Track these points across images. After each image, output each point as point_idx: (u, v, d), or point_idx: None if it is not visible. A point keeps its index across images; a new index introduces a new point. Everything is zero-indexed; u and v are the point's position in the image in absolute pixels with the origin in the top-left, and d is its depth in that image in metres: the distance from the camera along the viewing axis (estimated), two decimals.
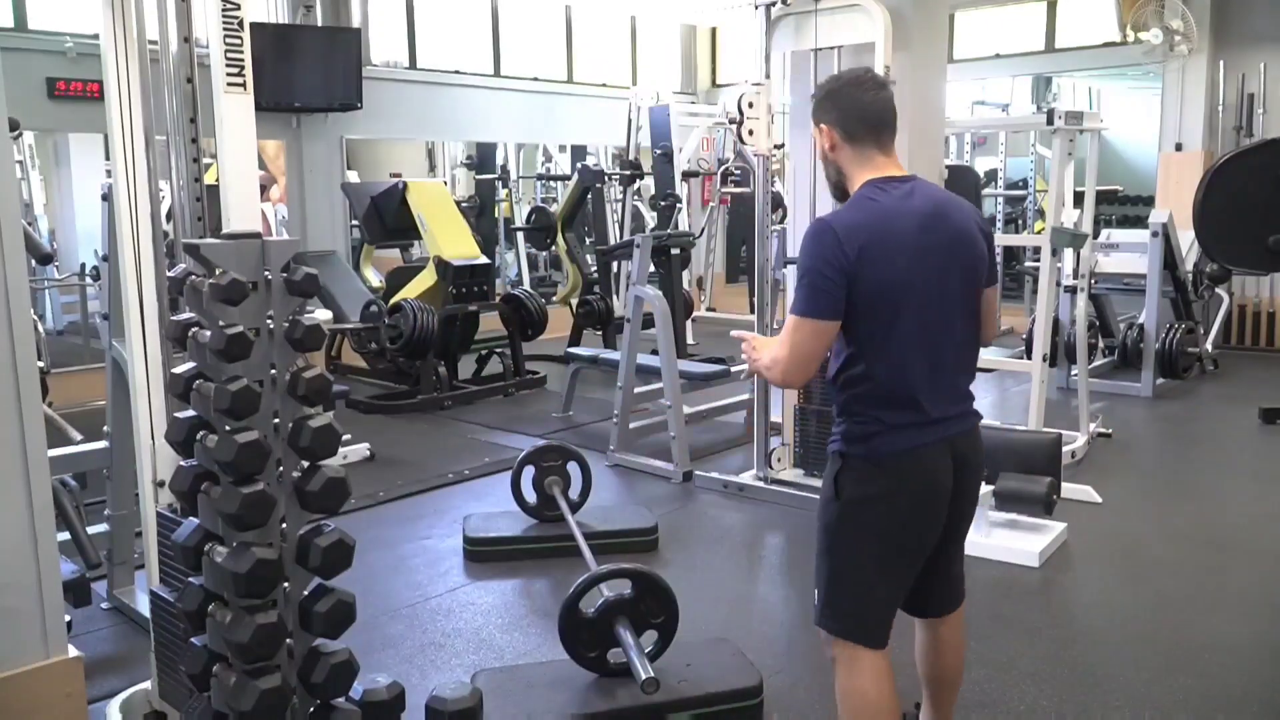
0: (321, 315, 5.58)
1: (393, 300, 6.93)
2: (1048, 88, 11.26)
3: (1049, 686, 2.99)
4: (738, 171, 9.61)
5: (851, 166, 2.24)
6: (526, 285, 10.03)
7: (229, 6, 2.04)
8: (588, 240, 10.27)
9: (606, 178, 9.36)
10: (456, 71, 9.61)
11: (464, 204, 9.39)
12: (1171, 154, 8.66)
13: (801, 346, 2.14)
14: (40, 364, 2.79)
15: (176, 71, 2.55)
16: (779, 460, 4.92)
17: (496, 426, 6.30)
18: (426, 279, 7.12)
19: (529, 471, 4.21)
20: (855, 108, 2.22)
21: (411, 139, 10.45)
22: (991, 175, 11.07)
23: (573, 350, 6.90)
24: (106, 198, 2.97)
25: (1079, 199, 6.20)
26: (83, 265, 7.88)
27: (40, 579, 2.48)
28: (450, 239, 7.16)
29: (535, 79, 10.22)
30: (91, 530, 3.50)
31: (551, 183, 11.84)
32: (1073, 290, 6.03)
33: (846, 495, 2.19)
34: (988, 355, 7.32)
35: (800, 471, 4.93)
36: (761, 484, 4.82)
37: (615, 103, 9.93)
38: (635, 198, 9.17)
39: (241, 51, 2.06)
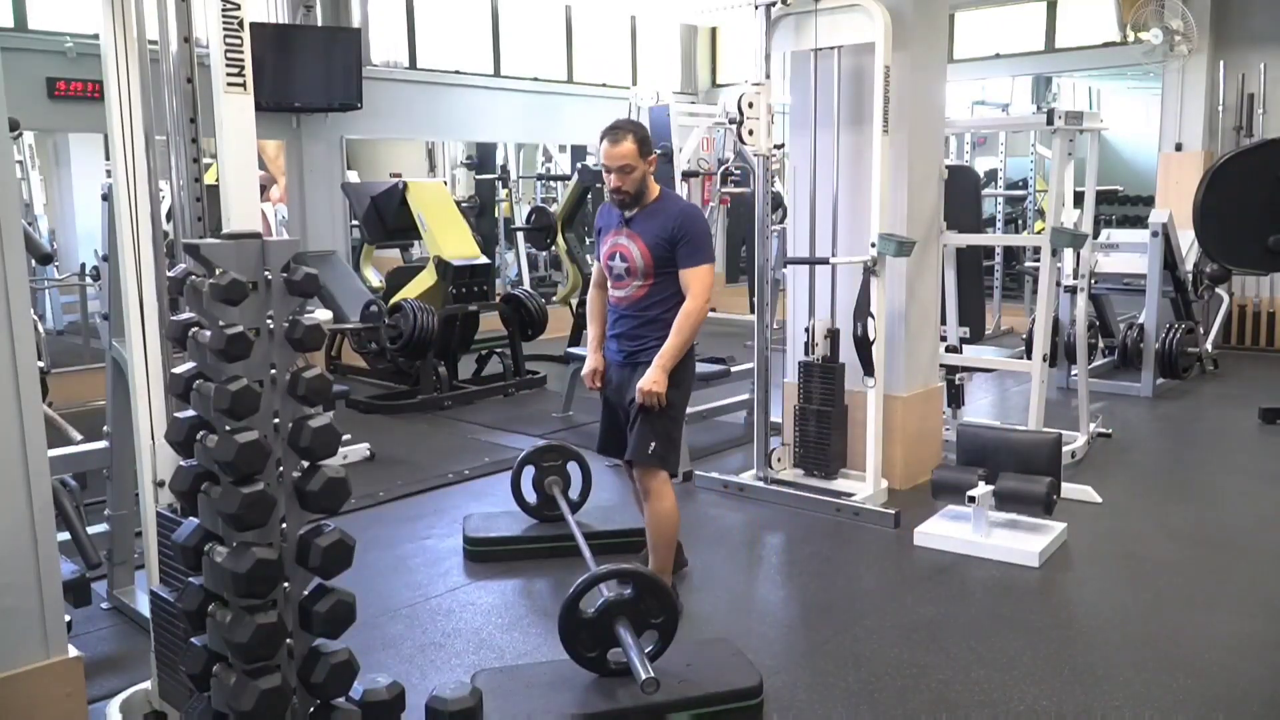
0: (321, 315, 5.59)
1: (393, 300, 6.93)
2: (1048, 88, 11.27)
3: (1049, 686, 2.99)
4: (738, 172, 9.59)
5: (651, 182, 3.47)
6: (526, 285, 10.03)
7: (229, 6, 2.04)
8: (588, 240, 10.25)
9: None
10: (456, 71, 9.61)
11: (464, 204, 9.38)
12: (1171, 154, 8.66)
13: (711, 284, 3.43)
14: (40, 364, 2.79)
15: (176, 71, 2.55)
16: (779, 460, 4.92)
17: (496, 426, 6.31)
18: (426, 279, 7.12)
19: (529, 471, 4.22)
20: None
21: (411, 139, 10.45)
22: (991, 175, 11.07)
23: (573, 350, 6.89)
24: (106, 198, 2.97)
25: (1079, 199, 6.19)
26: (83, 265, 7.87)
27: (40, 579, 2.48)
28: (450, 239, 7.16)
29: (535, 79, 10.22)
30: (91, 530, 3.50)
31: (551, 183, 11.84)
32: (1073, 290, 6.03)
33: (684, 383, 3.47)
34: (988, 355, 7.36)
35: (800, 471, 4.93)
36: (761, 484, 4.82)
37: (615, 103, 9.91)
38: None
39: (241, 51, 2.06)
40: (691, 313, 3.35)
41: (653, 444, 3.39)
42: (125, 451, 3.28)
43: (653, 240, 3.39)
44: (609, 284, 3.56)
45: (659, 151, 8.36)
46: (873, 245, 4.51)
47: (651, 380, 3.32)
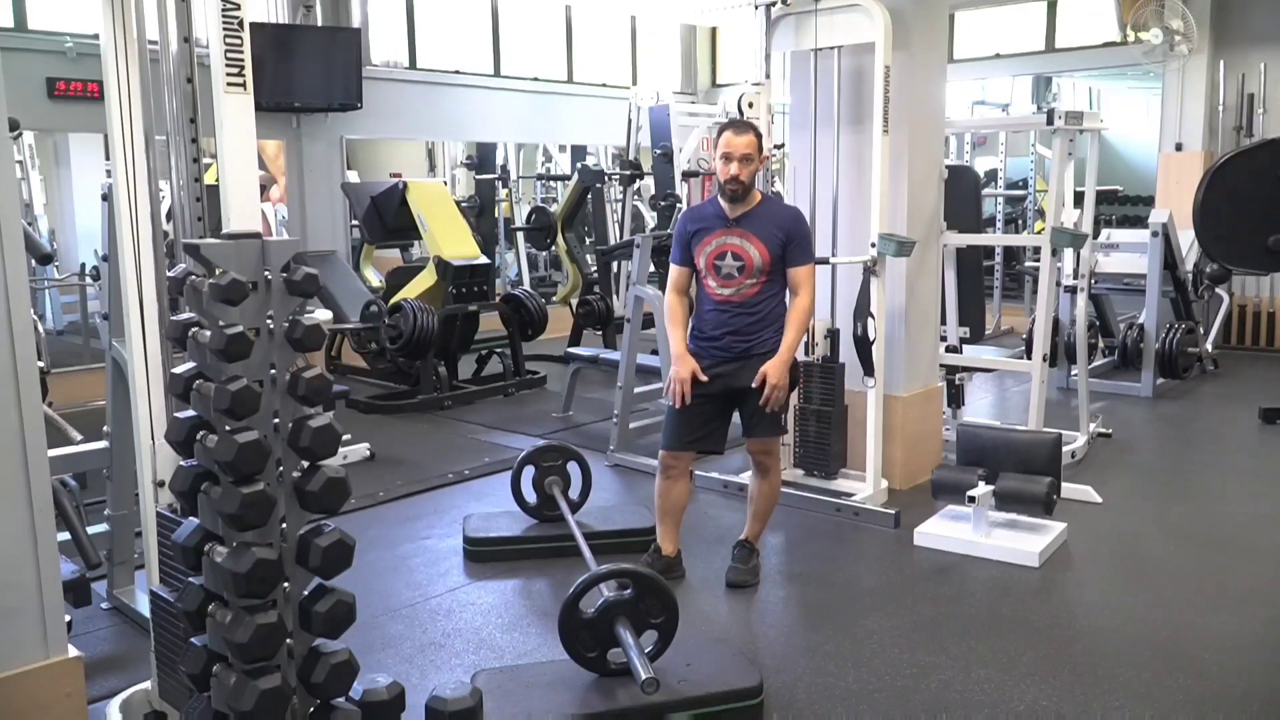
0: (321, 315, 5.59)
1: (393, 300, 6.93)
2: (1048, 88, 11.27)
3: (1049, 686, 2.99)
4: None
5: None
6: (526, 285, 10.03)
7: (229, 6, 2.04)
8: (588, 240, 10.26)
9: (606, 178, 9.36)
10: (456, 71, 9.61)
11: (464, 204, 9.38)
12: (1171, 154, 8.66)
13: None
14: (40, 364, 2.78)
15: (176, 71, 2.55)
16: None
17: (496, 426, 6.31)
18: (426, 279, 7.12)
19: (529, 471, 4.21)
20: None
21: (411, 139, 10.45)
22: (991, 175, 11.07)
23: (573, 350, 6.90)
24: (106, 198, 2.97)
25: (1079, 199, 6.19)
26: (83, 265, 7.88)
27: (40, 579, 2.48)
28: (450, 239, 7.16)
29: (535, 79, 10.22)
30: (91, 530, 3.50)
31: (551, 183, 11.84)
32: (1073, 290, 6.03)
33: (794, 369, 3.67)
34: (988, 355, 7.35)
35: (800, 471, 4.93)
36: None
37: (615, 103, 9.92)
38: (635, 198, 9.17)
39: (241, 51, 2.06)
40: (806, 308, 3.63)
41: (781, 417, 3.72)
42: (125, 451, 3.28)
43: (771, 240, 3.56)
44: (714, 283, 3.62)
45: (659, 151, 8.46)
46: (873, 245, 4.51)
47: (779, 374, 3.53)
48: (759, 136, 3.61)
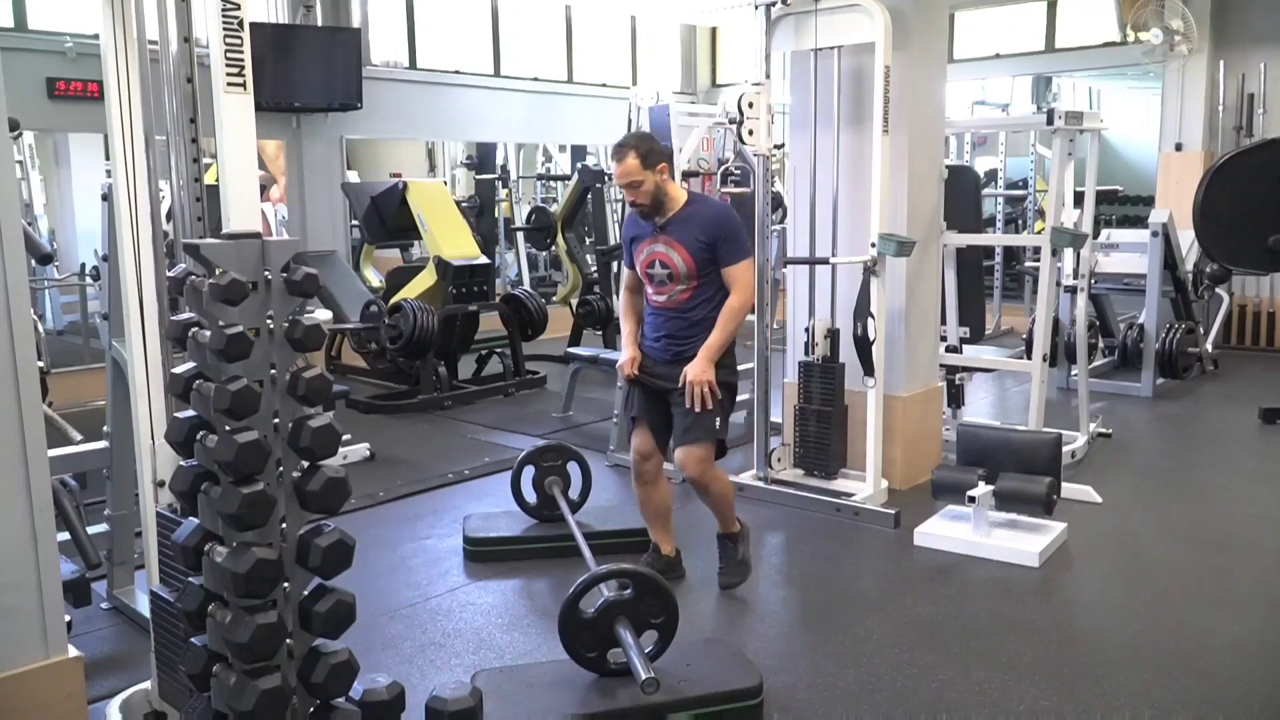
0: (321, 315, 5.59)
1: (393, 300, 6.93)
2: (1048, 88, 11.25)
3: (1049, 686, 2.99)
4: (738, 171, 9.58)
5: (671, 188, 3.58)
6: (526, 285, 10.03)
7: (229, 6, 2.04)
8: (588, 240, 10.25)
9: (606, 178, 9.35)
10: (456, 71, 9.61)
11: (464, 204, 9.38)
12: (1171, 154, 8.66)
13: (753, 279, 3.88)
14: (40, 364, 2.78)
15: (176, 71, 2.55)
16: (779, 460, 4.92)
17: (496, 426, 6.31)
18: (426, 279, 7.12)
19: (529, 471, 4.22)
20: (669, 153, 3.73)
21: (411, 139, 10.45)
22: (991, 175, 11.06)
23: (573, 350, 6.90)
24: (106, 198, 2.97)
25: (1079, 199, 6.19)
26: (83, 265, 7.88)
27: (40, 579, 2.48)
28: (450, 239, 7.16)
29: (535, 79, 10.22)
30: (91, 530, 3.50)
31: (551, 183, 11.84)
32: (1073, 290, 6.03)
33: (730, 376, 3.61)
34: (988, 355, 7.35)
35: (800, 471, 4.93)
36: (761, 484, 4.83)
37: (615, 103, 9.91)
38: None
39: (241, 51, 2.06)
40: (736, 308, 3.49)
41: (712, 424, 3.50)
42: (125, 451, 3.28)
43: (693, 245, 3.49)
44: (650, 289, 3.63)
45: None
46: (873, 245, 4.51)
47: (699, 370, 3.41)
48: (643, 154, 3.47)
